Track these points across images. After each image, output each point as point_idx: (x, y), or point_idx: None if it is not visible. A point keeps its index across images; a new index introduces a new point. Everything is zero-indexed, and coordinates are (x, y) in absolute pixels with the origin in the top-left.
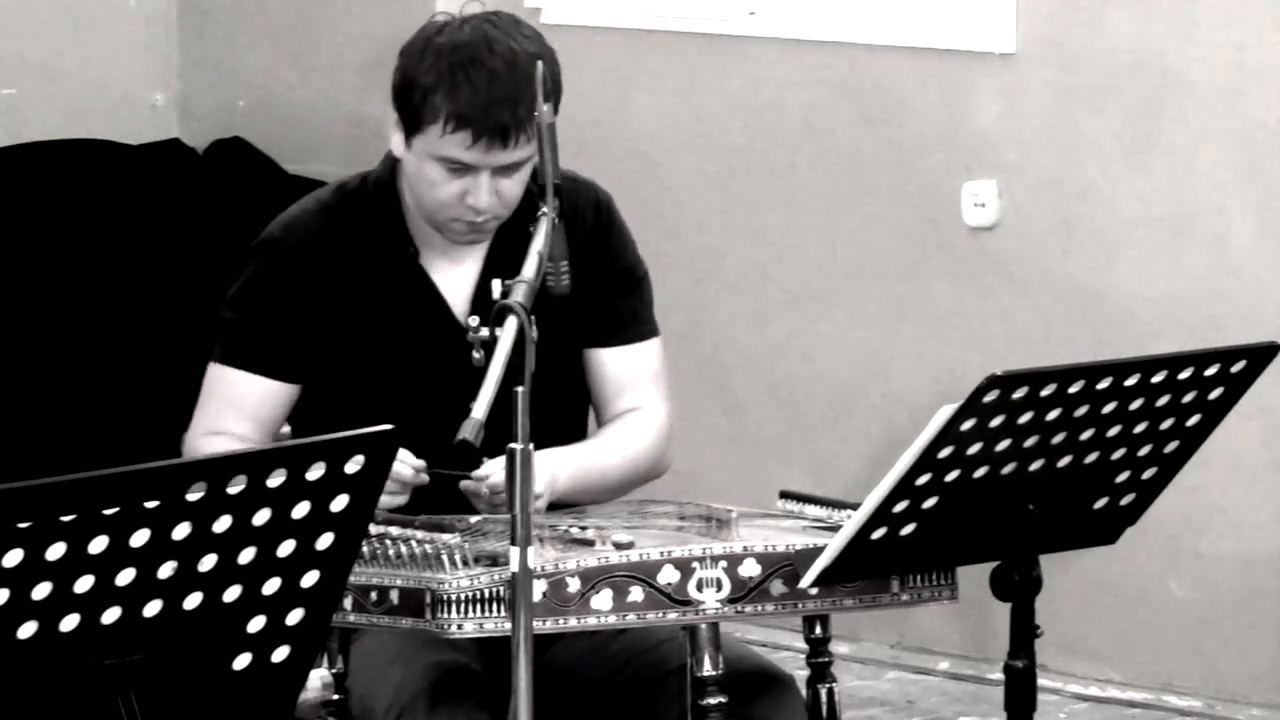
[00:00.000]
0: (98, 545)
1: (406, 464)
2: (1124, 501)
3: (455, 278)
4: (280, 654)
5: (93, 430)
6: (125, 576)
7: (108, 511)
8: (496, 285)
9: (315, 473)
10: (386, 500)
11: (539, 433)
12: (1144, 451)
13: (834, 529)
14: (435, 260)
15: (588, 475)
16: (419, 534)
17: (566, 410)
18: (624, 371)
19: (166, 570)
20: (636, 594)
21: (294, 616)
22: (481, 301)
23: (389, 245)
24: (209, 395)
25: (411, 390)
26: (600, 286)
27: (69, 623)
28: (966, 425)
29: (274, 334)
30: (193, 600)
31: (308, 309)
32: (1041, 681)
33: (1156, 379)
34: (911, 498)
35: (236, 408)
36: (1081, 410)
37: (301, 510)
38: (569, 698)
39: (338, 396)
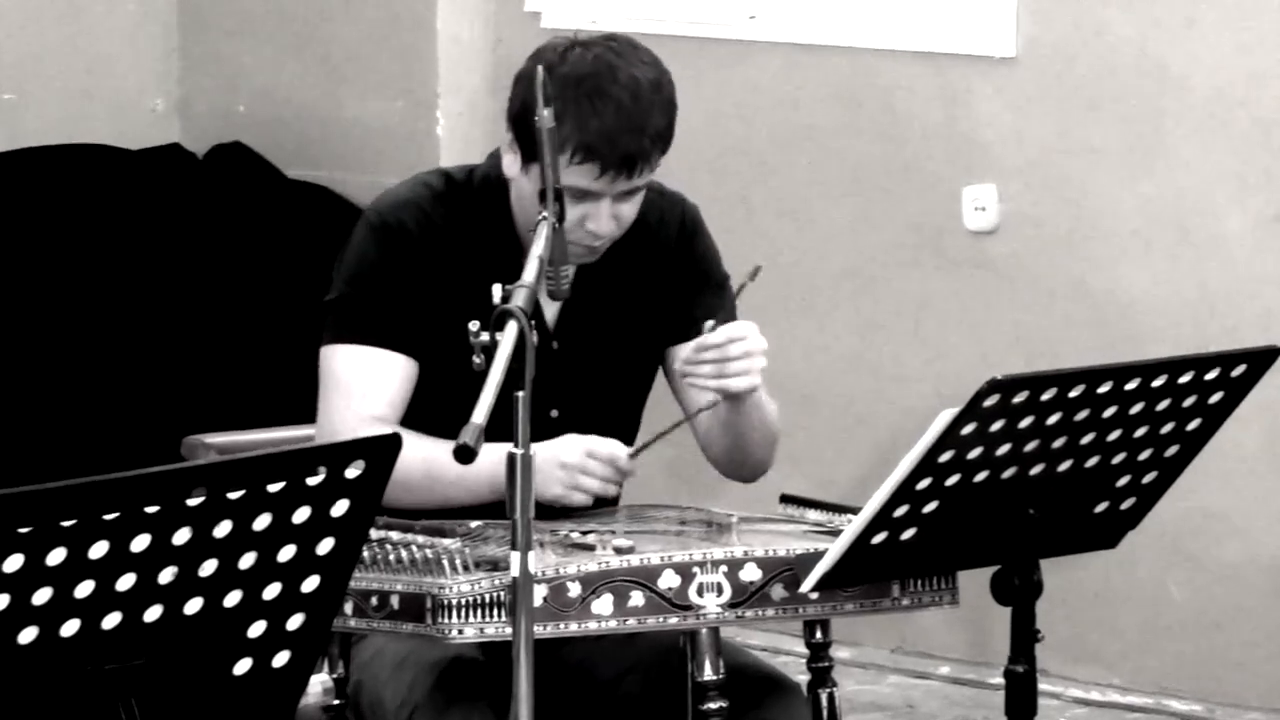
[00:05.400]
0: (98, 550)
1: (622, 451)
2: (1124, 506)
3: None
4: (281, 659)
5: (93, 435)
6: (126, 581)
7: (108, 516)
8: (497, 290)
9: (316, 478)
10: (601, 488)
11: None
12: (1144, 456)
13: (834, 533)
14: None
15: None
16: (419, 539)
17: (627, 419)
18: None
19: (167, 575)
20: (637, 599)
21: (294, 621)
22: (572, 307)
23: (496, 244)
24: (346, 378)
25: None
26: (681, 291)
27: (69, 628)
28: (967, 429)
29: (399, 310)
30: (193, 605)
31: (421, 290)
32: (1042, 686)
33: (1157, 383)
34: (912, 502)
35: (380, 387)
36: (1082, 414)
37: (302, 515)
38: (580, 695)
39: (428, 383)
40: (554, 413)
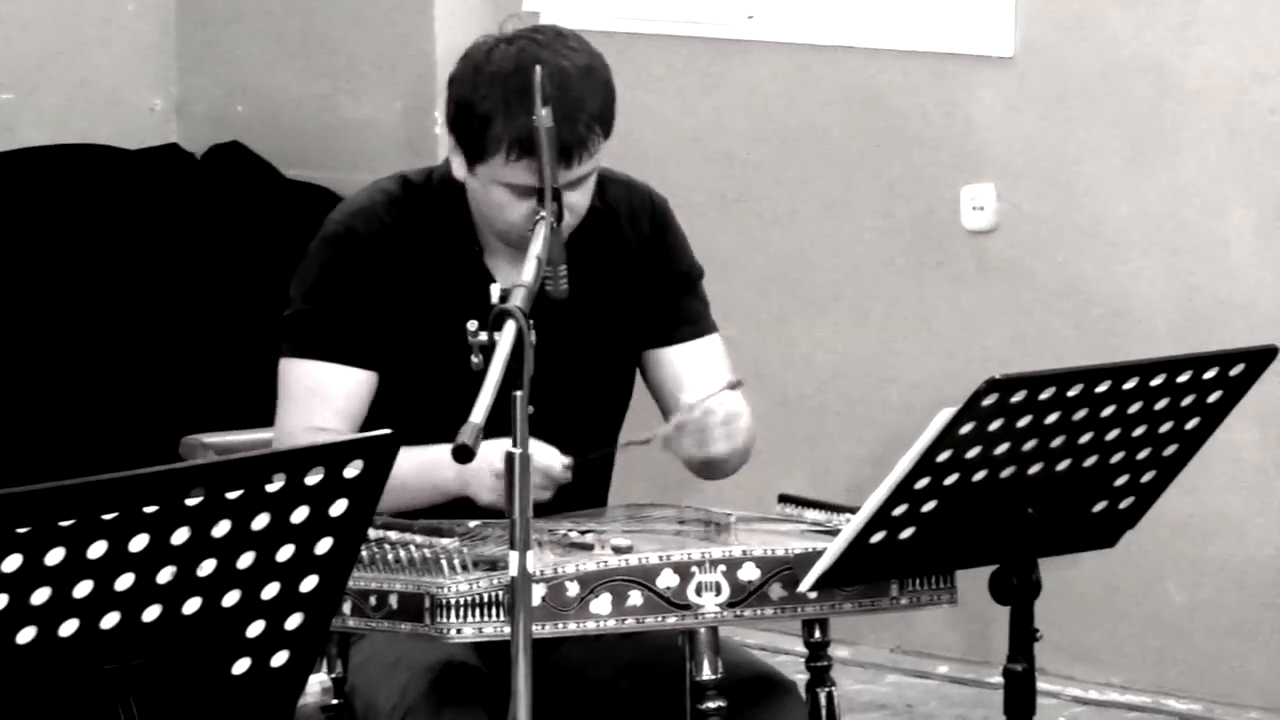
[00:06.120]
0: (97, 550)
1: (557, 461)
2: (1123, 505)
3: (517, 279)
4: (279, 659)
5: (91, 435)
6: (124, 581)
7: (107, 516)
8: (495, 289)
9: (314, 477)
10: (533, 496)
11: (574, 435)
12: (1143, 455)
13: (833, 533)
14: (499, 261)
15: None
16: (418, 538)
17: (607, 415)
18: (691, 368)
19: (166, 575)
20: (635, 598)
21: (293, 621)
22: (547, 302)
23: (455, 244)
24: (295, 391)
25: (468, 387)
26: (658, 288)
27: (68, 628)
28: (965, 429)
29: (354, 323)
30: (192, 605)
31: (378, 299)
32: (1040, 685)
33: (1155, 382)
34: (910, 501)
35: (328, 401)
36: (1080, 414)
37: (300, 515)
38: (575, 697)
39: (396, 390)
40: (531, 408)
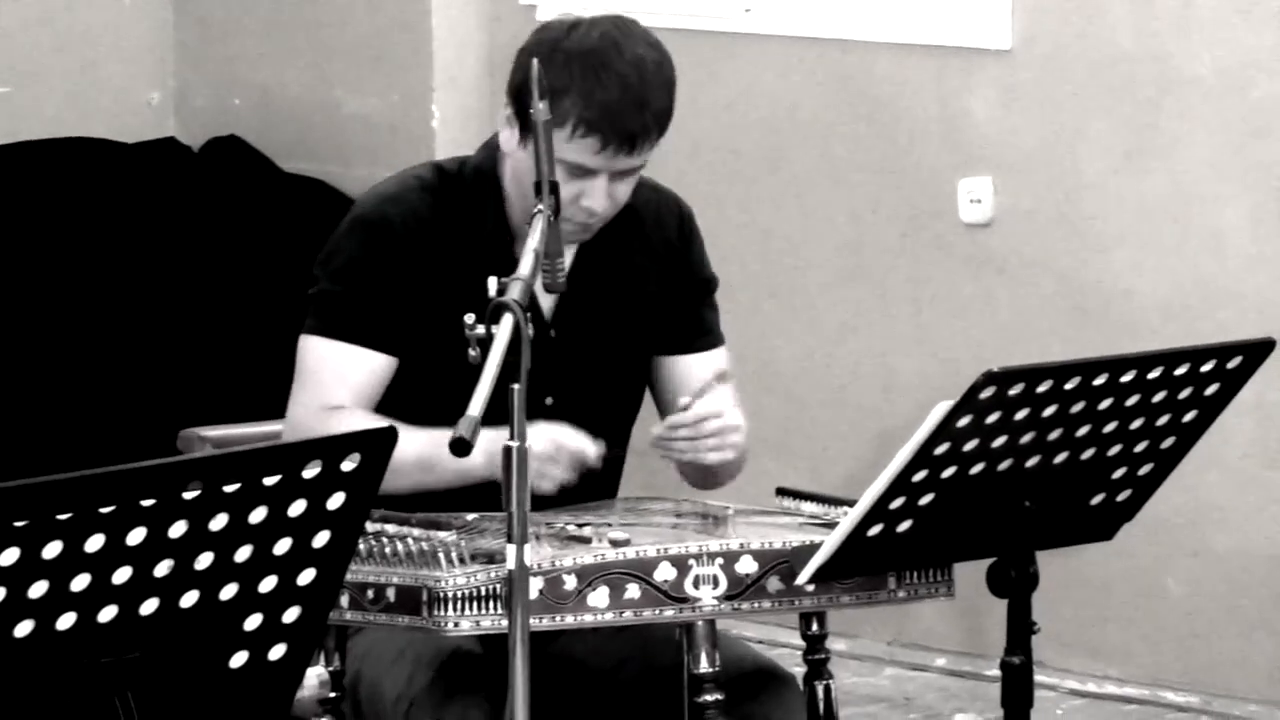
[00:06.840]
0: (94, 544)
1: (591, 448)
2: (1120, 498)
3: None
4: (277, 652)
5: (89, 428)
6: (122, 575)
7: (104, 510)
8: (493, 283)
9: (311, 471)
10: (561, 476)
11: (589, 431)
12: (1140, 448)
13: (830, 526)
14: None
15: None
16: (415, 531)
17: (622, 413)
18: (700, 378)
19: (163, 568)
20: (633, 591)
21: (291, 614)
22: (570, 297)
23: (487, 233)
24: (314, 370)
25: None
26: (679, 296)
27: (65, 621)
28: (963, 422)
29: (380, 307)
30: (189, 598)
31: (407, 285)
32: (1038, 678)
33: (1153, 375)
34: (908, 494)
35: (347, 383)
36: (1078, 406)
37: (298, 508)
38: (574, 688)
39: (422, 375)
40: (549, 400)
